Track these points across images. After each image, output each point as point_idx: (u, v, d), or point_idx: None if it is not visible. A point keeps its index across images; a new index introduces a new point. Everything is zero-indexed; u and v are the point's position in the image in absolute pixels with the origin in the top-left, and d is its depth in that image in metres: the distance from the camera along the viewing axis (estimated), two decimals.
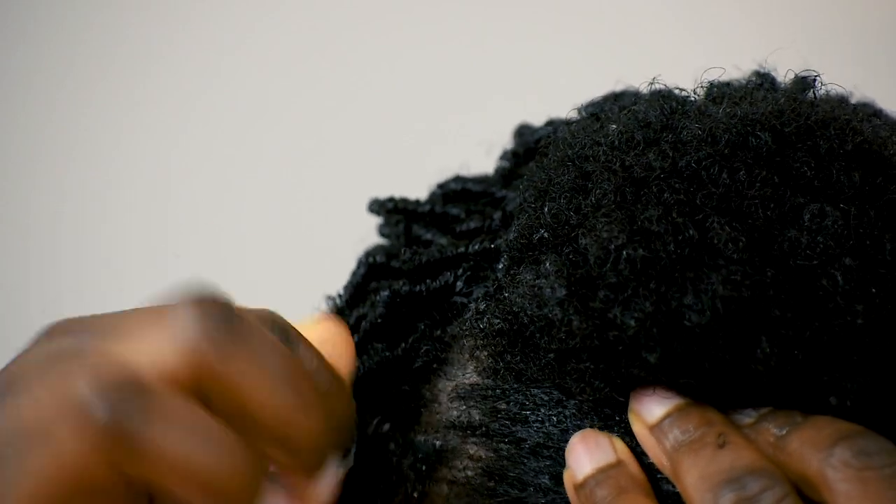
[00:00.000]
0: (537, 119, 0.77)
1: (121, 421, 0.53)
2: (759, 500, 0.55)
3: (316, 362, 0.59)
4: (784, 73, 0.64)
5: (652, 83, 0.64)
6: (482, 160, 0.75)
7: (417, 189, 0.74)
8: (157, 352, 0.54)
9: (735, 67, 0.66)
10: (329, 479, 0.59)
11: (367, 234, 0.74)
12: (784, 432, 0.57)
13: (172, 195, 1.46)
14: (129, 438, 0.53)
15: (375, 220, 0.74)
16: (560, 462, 0.61)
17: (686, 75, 0.65)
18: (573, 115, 0.67)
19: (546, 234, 0.61)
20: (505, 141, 0.76)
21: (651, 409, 0.59)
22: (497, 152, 0.75)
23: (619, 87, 0.69)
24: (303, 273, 1.34)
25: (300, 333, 0.60)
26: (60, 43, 1.50)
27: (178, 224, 1.46)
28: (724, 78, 0.66)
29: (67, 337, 0.56)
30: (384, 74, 1.50)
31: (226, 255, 1.44)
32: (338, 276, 0.73)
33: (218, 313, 0.55)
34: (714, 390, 0.59)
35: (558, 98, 0.77)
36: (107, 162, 1.48)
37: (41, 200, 1.48)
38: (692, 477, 0.56)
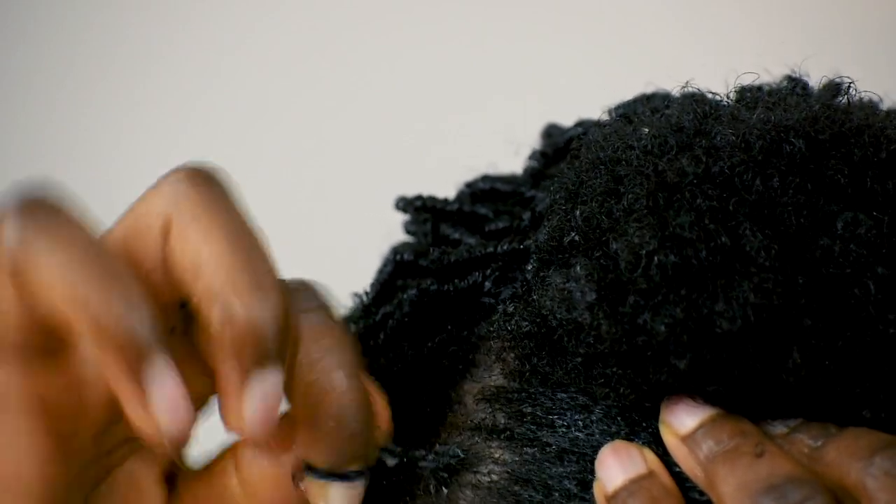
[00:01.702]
0: (537, 119, 0.76)
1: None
2: None
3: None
4: (819, 78, 0.64)
5: (685, 86, 0.64)
6: (481, 160, 0.75)
7: (416, 188, 0.74)
8: None
9: (735, 69, 0.66)
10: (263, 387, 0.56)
11: (368, 233, 0.73)
12: (819, 443, 0.57)
13: None
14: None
15: (374, 219, 0.74)
16: (586, 467, 0.61)
17: (687, 76, 0.65)
18: (604, 116, 0.67)
19: (577, 238, 0.61)
20: (507, 139, 0.76)
21: (683, 420, 0.59)
22: (508, 151, 0.75)
23: (649, 89, 0.68)
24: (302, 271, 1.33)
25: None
26: (60, 43, 1.50)
27: None
28: (751, 81, 0.66)
29: None
30: (384, 74, 1.49)
31: None
32: (337, 275, 0.72)
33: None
34: (744, 400, 0.58)
35: (558, 98, 0.77)
36: (107, 162, 1.48)
37: None
38: (729, 486, 0.56)
